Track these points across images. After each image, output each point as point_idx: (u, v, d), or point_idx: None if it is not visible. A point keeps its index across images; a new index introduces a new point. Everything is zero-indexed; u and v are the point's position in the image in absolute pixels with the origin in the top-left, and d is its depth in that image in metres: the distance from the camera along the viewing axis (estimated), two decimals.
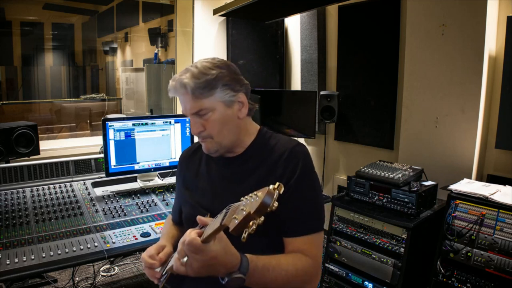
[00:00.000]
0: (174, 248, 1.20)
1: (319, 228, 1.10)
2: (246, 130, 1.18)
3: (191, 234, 0.85)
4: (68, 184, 2.18)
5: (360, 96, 3.06)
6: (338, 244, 2.17)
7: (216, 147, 1.13)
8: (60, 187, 2.14)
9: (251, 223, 0.71)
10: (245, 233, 0.71)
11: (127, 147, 2.17)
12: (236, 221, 0.71)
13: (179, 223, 1.35)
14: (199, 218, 0.92)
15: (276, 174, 1.09)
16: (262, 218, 0.72)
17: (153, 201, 2.11)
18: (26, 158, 2.36)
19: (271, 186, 0.72)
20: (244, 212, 0.71)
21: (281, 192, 0.72)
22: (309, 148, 1.18)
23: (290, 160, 1.09)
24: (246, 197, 0.76)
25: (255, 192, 0.74)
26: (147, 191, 2.22)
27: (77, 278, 2.76)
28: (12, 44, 6.23)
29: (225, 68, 1.10)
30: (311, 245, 1.07)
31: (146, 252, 1.13)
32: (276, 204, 0.71)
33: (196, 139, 1.20)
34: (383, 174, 2.09)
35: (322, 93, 3.13)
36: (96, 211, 1.95)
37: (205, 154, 1.25)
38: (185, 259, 0.87)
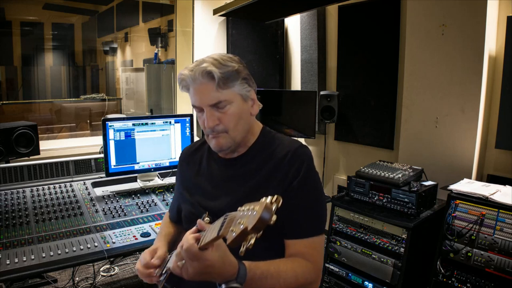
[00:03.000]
0: (170, 246, 1.20)
1: (320, 231, 1.09)
2: (252, 128, 1.16)
3: (188, 239, 0.84)
4: (68, 184, 2.18)
5: (360, 96, 3.06)
6: (338, 244, 2.17)
7: (230, 142, 1.09)
8: (60, 187, 2.14)
9: (248, 237, 0.70)
10: (243, 247, 0.70)
11: (127, 147, 2.17)
12: (234, 234, 0.70)
13: (176, 221, 1.34)
14: (199, 222, 0.92)
15: (279, 176, 1.07)
16: (260, 233, 0.70)
17: (153, 201, 2.11)
18: (26, 158, 2.36)
19: (268, 199, 0.70)
20: (242, 226, 0.69)
21: (279, 205, 0.70)
22: (309, 148, 1.17)
23: (294, 162, 1.08)
24: (243, 207, 0.74)
25: (252, 205, 0.72)
26: (147, 191, 2.22)
27: (77, 278, 2.76)
28: (12, 44, 6.23)
29: (241, 63, 1.10)
30: (312, 249, 1.06)
31: (140, 262, 1.11)
32: (274, 218, 0.69)
33: (196, 138, 1.19)
34: (383, 174, 2.09)
35: (322, 93, 3.13)
36: (96, 211, 1.95)
37: (206, 153, 1.24)
38: (182, 262, 0.86)
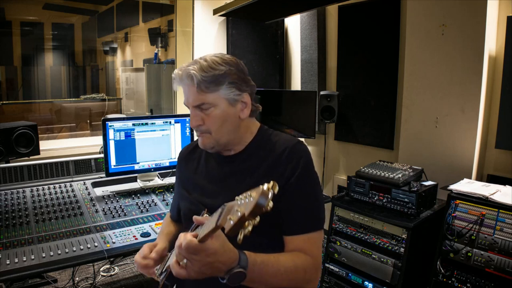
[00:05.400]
0: (171, 245, 1.20)
1: (319, 227, 1.09)
2: (248, 128, 1.17)
3: (186, 236, 0.84)
4: (68, 184, 2.18)
5: (360, 96, 3.06)
6: (338, 244, 2.17)
7: (213, 143, 1.12)
8: (60, 187, 2.14)
9: (246, 224, 0.70)
10: (240, 235, 0.71)
11: (127, 147, 2.17)
12: (232, 222, 0.70)
13: (177, 220, 1.35)
14: (195, 217, 0.92)
15: (277, 173, 1.08)
16: (258, 219, 0.71)
17: (153, 201, 2.11)
18: (26, 158, 2.36)
19: (265, 186, 0.71)
20: (239, 213, 0.70)
21: (275, 191, 0.71)
22: (309, 148, 1.17)
23: (291, 158, 1.08)
24: (240, 196, 0.75)
25: (249, 192, 0.73)
26: (147, 191, 2.22)
27: (77, 278, 2.76)
28: (12, 44, 6.23)
29: (234, 66, 1.09)
30: (311, 244, 1.06)
31: (139, 254, 1.13)
32: (271, 204, 0.69)
33: (196, 138, 1.20)
34: (383, 174, 2.09)
35: (322, 93, 3.13)
36: (96, 211, 1.95)
37: (204, 151, 1.25)
38: (184, 261, 0.86)
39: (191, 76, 1.04)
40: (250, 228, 0.70)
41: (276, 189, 0.72)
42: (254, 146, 1.16)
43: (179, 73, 1.08)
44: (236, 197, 0.76)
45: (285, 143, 1.12)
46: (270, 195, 0.70)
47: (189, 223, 0.96)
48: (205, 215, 0.99)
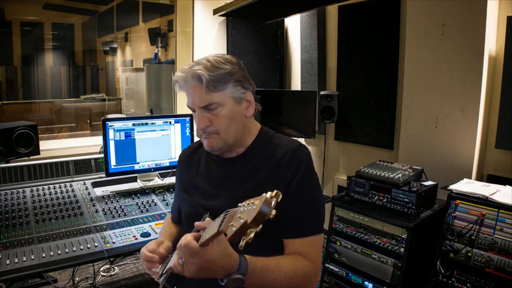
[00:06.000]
0: (173, 245, 1.20)
1: (319, 230, 1.09)
2: (249, 129, 1.17)
3: (187, 236, 0.84)
4: (68, 184, 2.18)
5: (360, 96, 3.06)
6: (338, 244, 2.17)
7: (221, 144, 1.11)
8: (60, 187, 2.14)
9: (248, 231, 0.70)
10: (242, 241, 0.71)
11: (127, 147, 2.17)
12: (234, 228, 0.70)
13: (178, 222, 1.35)
14: (196, 223, 0.92)
15: (278, 175, 1.07)
16: (260, 226, 0.71)
17: (153, 201, 2.11)
18: (26, 158, 2.36)
19: (268, 194, 0.71)
20: (242, 221, 0.70)
21: (278, 200, 0.71)
22: (309, 148, 1.17)
23: (293, 162, 1.08)
24: (243, 203, 0.75)
25: (252, 200, 0.73)
26: (147, 191, 2.22)
27: (77, 278, 2.76)
28: (12, 44, 6.23)
29: (237, 64, 1.10)
30: (311, 248, 1.06)
31: (146, 247, 1.12)
32: (273, 212, 0.70)
33: (196, 138, 1.20)
34: (383, 174, 2.09)
35: (322, 93, 3.13)
36: (96, 211, 1.95)
37: (205, 153, 1.24)
38: (183, 260, 0.87)
39: (198, 76, 1.03)
40: (252, 235, 0.70)
41: (280, 198, 0.72)
42: (255, 148, 1.16)
43: (182, 75, 1.06)
44: (239, 204, 0.76)
45: (287, 146, 1.12)
46: (273, 203, 0.70)
47: (190, 226, 0.96)
48: (207, 218, 0.99)
